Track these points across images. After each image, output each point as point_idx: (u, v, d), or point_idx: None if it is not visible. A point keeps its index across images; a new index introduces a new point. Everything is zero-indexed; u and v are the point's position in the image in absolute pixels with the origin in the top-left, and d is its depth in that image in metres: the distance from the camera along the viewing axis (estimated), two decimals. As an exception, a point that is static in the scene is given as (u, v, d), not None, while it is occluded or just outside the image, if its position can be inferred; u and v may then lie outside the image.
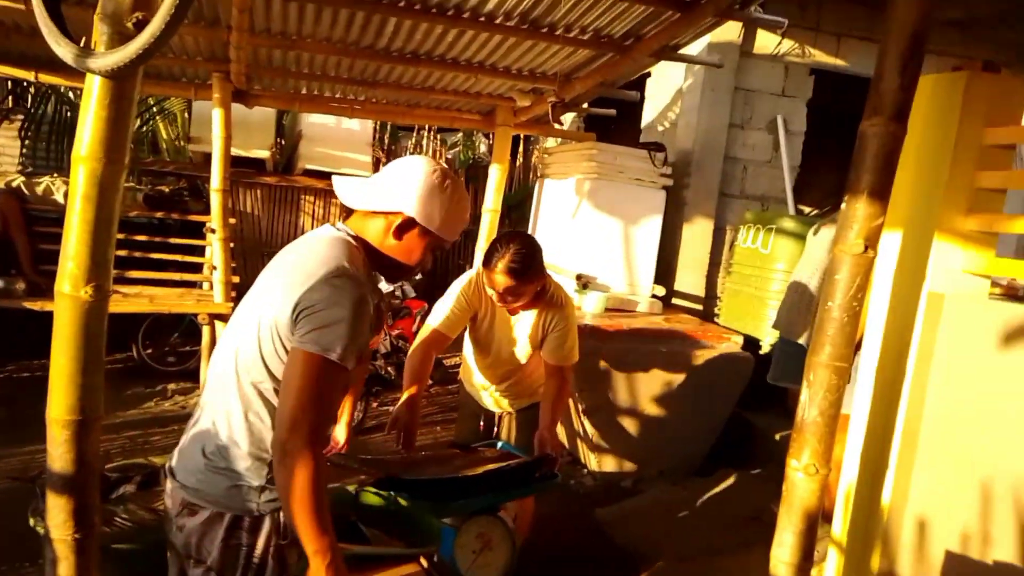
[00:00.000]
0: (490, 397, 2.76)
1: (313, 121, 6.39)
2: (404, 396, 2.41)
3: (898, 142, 1.55)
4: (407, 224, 1.54)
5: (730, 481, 3.59)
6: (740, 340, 3.97)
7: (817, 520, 1.97)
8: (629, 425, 3.85)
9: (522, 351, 2.60)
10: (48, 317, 4.15)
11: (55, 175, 5.31)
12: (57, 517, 1.53)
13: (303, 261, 1.47)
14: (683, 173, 4.78)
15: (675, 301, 4.84)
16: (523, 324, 2.56)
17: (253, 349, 1.46)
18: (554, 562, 3.03)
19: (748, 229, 4.25)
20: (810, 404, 1.95)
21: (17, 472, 3.28)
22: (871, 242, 1.88)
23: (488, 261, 2.36)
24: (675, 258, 4.84)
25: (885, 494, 2.16)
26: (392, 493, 2.81)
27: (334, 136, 6.44)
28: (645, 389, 3.79)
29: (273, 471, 1.41)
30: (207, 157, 5.27)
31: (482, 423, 2.80)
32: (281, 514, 1.47)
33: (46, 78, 4.23)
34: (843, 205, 1.95)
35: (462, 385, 2.93)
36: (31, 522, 2.21)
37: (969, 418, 1.94)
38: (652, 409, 3.82)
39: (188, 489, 1.50)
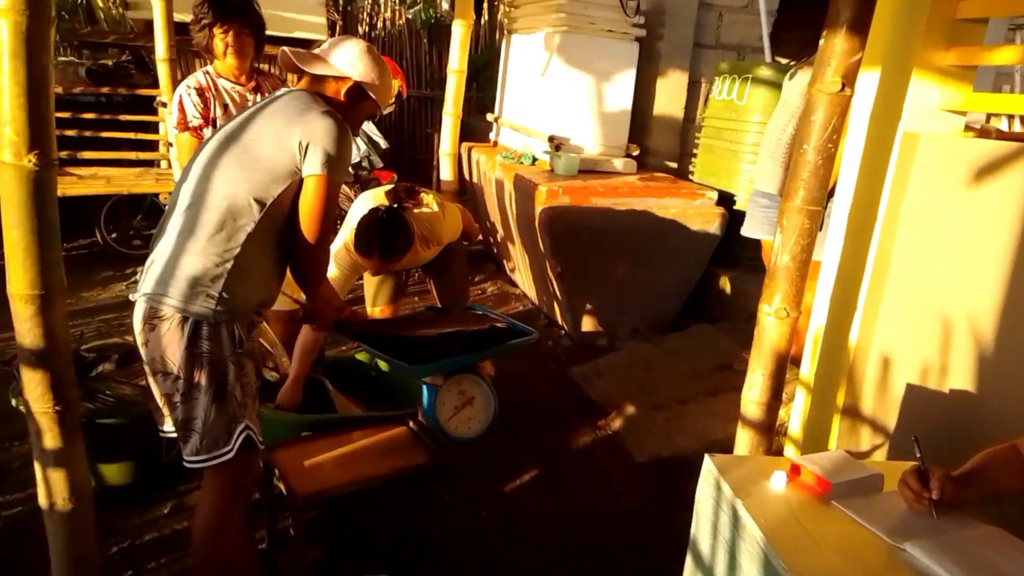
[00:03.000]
0: None
1: (261, -19, 5.93)
2: (292, 376, 2.52)
3: (880, -31, 1.47)
4: (354, 89, 1.82)
5: (702, 335, 3.69)
6: (714, 196, 3.95)
7: (786, 362, 2.03)
8: (604, 285, 3.89)
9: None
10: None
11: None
12: (35, 391, 1.52)
13: (288, 111, 1.71)
14: (656, 23, 4.56)
15: (650, 160, 4.76)
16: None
17: (244, 194, 1.64)
18: (529, 416, 3.15)
19: (723, 80, 4.12)
20: (782, 249, 1.97)
21: (-8, 357, 3.26)
22: (848, 80, 1.83)
23: (360, 249, 2.53)
24: (649, 115, 4.71)
25: (852, 335, 2.23)
26: (373, 360, 2.87)
27: (282, 1, 6.01)
28: (618, 249, 3.81)
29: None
30: (149, 25, 4.91)
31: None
32: (236, 326, 1.65)
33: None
34: (821, 43, 1.88)
35: None
36: (13, 402, 2.24)
37: (935, 258, 1.97)
38: (626, 269, 3.85)
39: (154, 297, 1.63)
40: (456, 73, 4.48)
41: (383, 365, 2.87)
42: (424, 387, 2.13)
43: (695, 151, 4.41)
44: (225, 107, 2.66)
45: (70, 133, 4.97)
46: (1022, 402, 1.71)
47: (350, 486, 1.94)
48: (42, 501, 1.63)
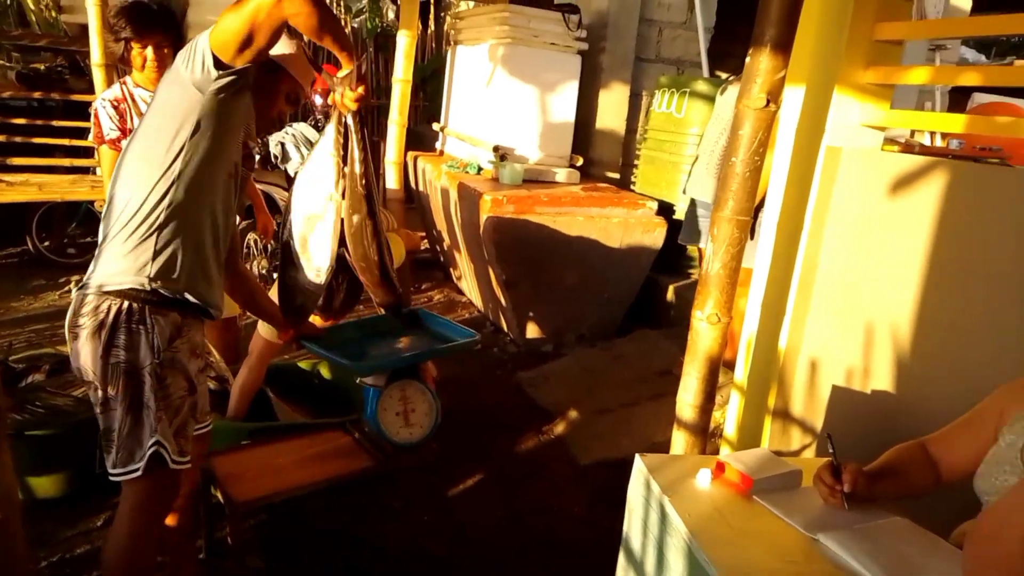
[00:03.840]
0: None
1: (200, -15, 5.85)
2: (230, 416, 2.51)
3: (800, -7, 1.55)
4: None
5: (645, 340, 3.77)
6: (654, 206, 4.05)
7: (719, 366, 2.11)
8: (549, 293, 3.95)
9: None
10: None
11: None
12: (-44, 402, 1.48)
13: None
14: (599, 37, 4.67)
15: (593, 170, 4.86)
16: None
17: (155, 159, 1.54)
18: (476, 422, 3.18)
19: (662, 94, 4.23)
20: (714, 257, 2.05)
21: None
22: (773, 96, 1.92)
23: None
24: (592, 126, 4.81)
25: (782, 340, 2.33)
26: (315, 367, 2.86)
27: (226, 1, 5.94)
28: (563, 258, 3.87)
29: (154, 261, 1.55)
30: (84, 29, 4.79)
31: None
32: (156, 336, 1.56)
33: None
34: (747, 60, 1.97)
35: None
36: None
37: (859, 265, 2.07)
38: (570, 276, 3.91)
39: (83, 286, 1.58)
40: (401, 83, 4.50)
41: (325, 372, 2.86)
42: (366, 392, 2.14)
43: (636, 162, 4.52)
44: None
45: (1, 140, 4.82)
46: (936, 402, 1.82)
47: (289, 492, 1.94)
48: (-36, 514, 1.58)
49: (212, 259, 1.69)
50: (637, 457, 1.48)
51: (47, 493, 2.35)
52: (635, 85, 4.82)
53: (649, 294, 4.26)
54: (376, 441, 2.15)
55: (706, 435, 2.16)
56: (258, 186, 4.48)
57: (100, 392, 1.57)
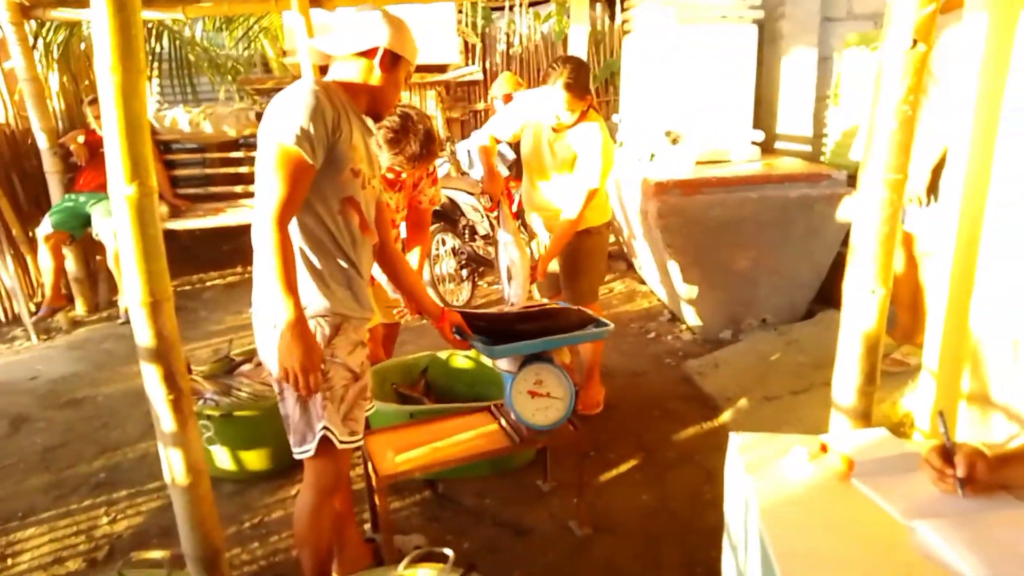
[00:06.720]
0: (541, 223, 3.14)
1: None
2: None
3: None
4: (387, 56, 1.77)
5: (827, 323, 3.44)
6: (843, 177, 3.68)
7: (878, 343, 1.92)
8: (726, 278, 3.76)
9: (560, 168, 2.93)
10: (186, 236, 4.75)
11: (182, 107, 5.79)
12: (151, 382, 1.81)
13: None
14: (775, 2, 4.34)
15: (779, 145, 4.52)
16: (564, 143, 2.89)
17: None
18: (636, 410, 3.14)
19: (851, 53, 3.83)
20: (863, 224, 1.86)
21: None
22: (921, 35, 1.71)
23: (547, 79, 2.72)
24: (775, 98, 4.48)
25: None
26: (478, 355, 3.02)
27: (416, 27, 6.40)
28: (739, 240, 3.66)
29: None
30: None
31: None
32: (319, 334, 1.74)
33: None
34: (888, -2, 1.76)
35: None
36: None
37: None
38: (744, 259, 3.69)
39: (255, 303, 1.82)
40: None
41: (486, 362, 3.00)
42: (504, 377, 2.22)
43: (825, 131, 4.14)
44: None
45: (243, 171, 5.67)
46: None
47: (425, 469, 2.09)
48: (166, 476, 1.92)
49: (345, 292, 1.81)
50: (732, 435, 1.40)
51: (256, 467, 2.74)
52: (824, 48, 4.40)
53: (840, 274, 3.87)
54: (514, 424, 2.22)
55: (867, 420, 1.97)
56: (446, 191, 4.79)
57: (277, 383, 1.81)
